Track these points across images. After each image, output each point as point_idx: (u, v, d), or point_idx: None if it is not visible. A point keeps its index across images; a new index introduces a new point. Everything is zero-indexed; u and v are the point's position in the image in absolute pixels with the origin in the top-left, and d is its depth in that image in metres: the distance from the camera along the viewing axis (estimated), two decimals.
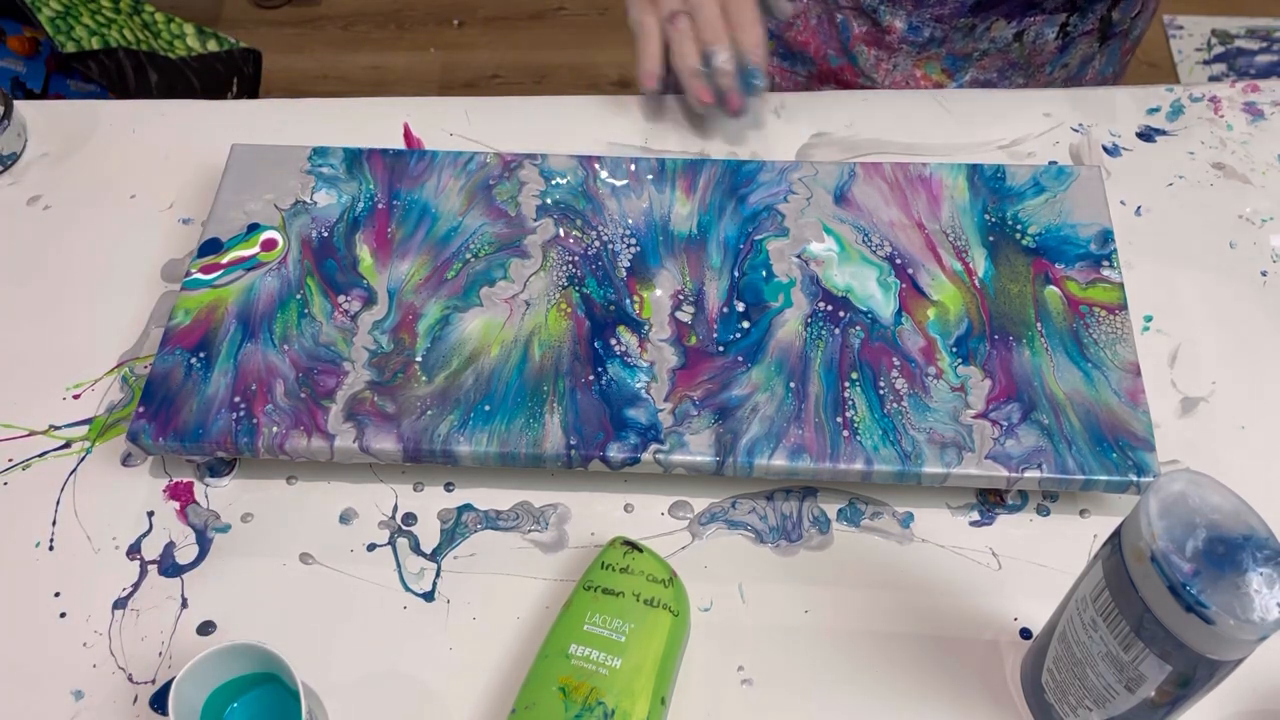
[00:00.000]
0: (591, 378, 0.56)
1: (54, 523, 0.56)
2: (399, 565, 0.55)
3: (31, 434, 0.59)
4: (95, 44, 1.43)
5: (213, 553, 0.55)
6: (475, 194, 0.63)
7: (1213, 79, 1.75)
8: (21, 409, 0.60)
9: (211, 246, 0.61)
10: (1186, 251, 0.65)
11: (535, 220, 0.62)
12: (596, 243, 0.61)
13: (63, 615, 0.53)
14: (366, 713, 0.51)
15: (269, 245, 0.61)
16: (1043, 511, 0.56)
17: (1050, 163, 0.66)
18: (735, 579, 0.54)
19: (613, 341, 0.57)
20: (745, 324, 0.58)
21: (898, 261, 0.60)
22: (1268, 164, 0.68)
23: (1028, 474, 0.52)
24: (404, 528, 0.56)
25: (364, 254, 0.61)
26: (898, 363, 0.56)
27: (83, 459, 0.58)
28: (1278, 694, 0.50)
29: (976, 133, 0.70)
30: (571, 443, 0.54)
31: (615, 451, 0.53)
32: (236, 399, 0.55)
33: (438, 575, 0.54)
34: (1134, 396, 0.55)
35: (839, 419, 0.54)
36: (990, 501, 0.56)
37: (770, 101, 0.71)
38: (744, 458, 0.53)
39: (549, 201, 0.62)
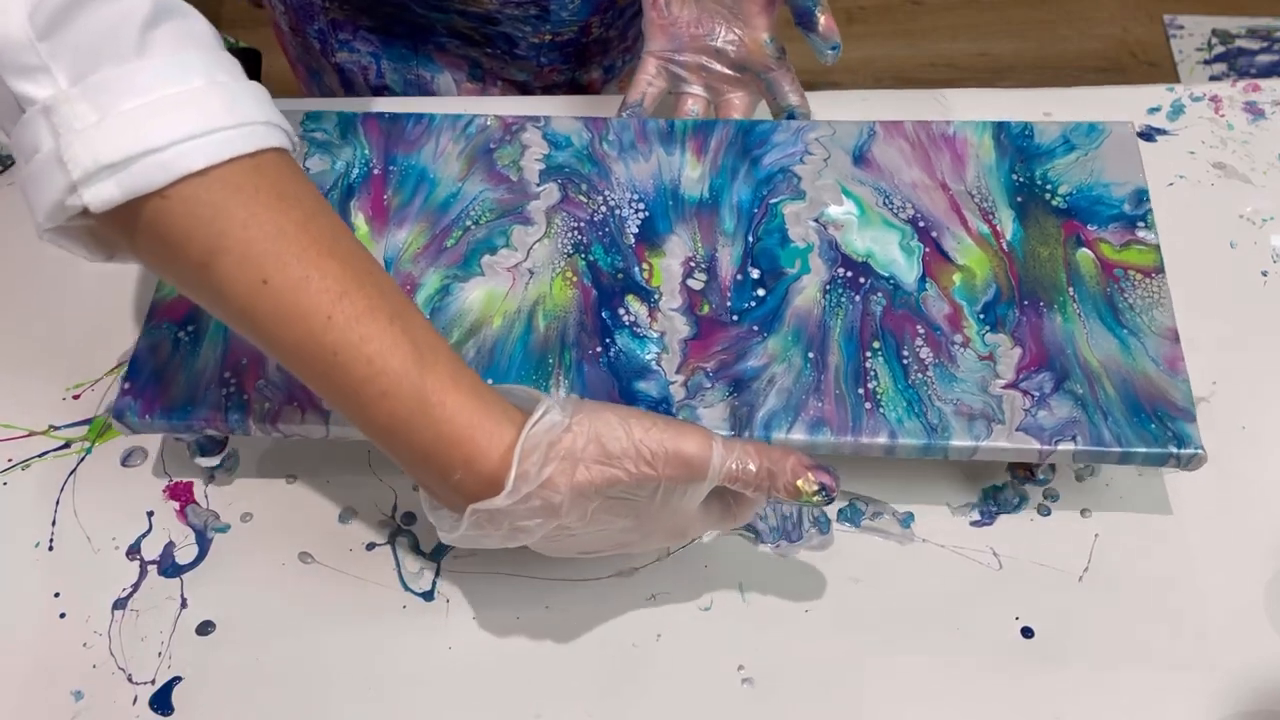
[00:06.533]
0: (599, 349, 0.54)
1: (54, 523, 0.56)
2: (399, 565, 0.55)
3: (31, 434, 0.59)
4: None
5: (212, 553, 0.55)
6: (475, 158, 0.61)
7: (1213, 79, 1.75)
8: (21, 409, 0.60)
9: None
10: (1186, 251, 0.64)
11: (539, 185, 0.60)
12: (603, 208, 0.59)
13: (63, 615, 0.53)
14: (365, 712, 0.51)
15: None
16: (1043, 511, 0.56)
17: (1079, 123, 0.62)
18: (735, 579, 0.54)
19: (621, 311, 0.55)
20: (760, 291, 0.55)
21: (921, 224, 0.57)
22: (1268, 163, 0.68)
23: (1061, 446, 0.50)
24: (404, 527, 0.56)
25: (359, 222, 0.59)
26: (922, 331, 0.54)
27: (82, 459, 0.58)
28: (1278, 694, 0.50)
29: None
30: None
31: None
32: (227, 374, 0.53)
33: (437, 575, 0.54)
34: (1173, 364, 0.52)
35: (860, 390, 0.52)
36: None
37: None
38: (761, 432, 0.51)
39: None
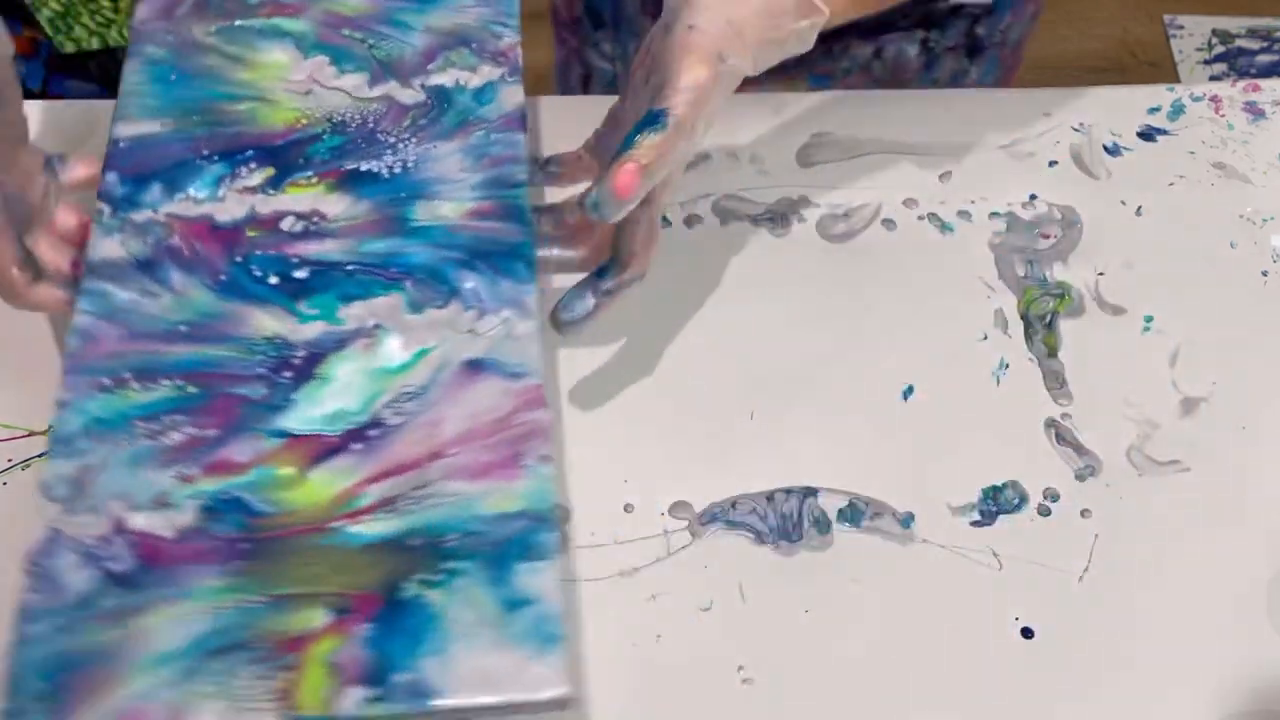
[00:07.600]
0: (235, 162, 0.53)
1: None
2: None
3: (31, 434, 0.59)
4: (94, 44, 1.43)
5: None
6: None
7: (1213, 79, 1.76)
8: (21, 409, 0.60)
9: None
10: (1186, 251, 0.65)
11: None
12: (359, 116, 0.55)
13: None
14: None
15: None
16: (1043, 511, 0.56)
17: None
18: (735, 579, 0.54)
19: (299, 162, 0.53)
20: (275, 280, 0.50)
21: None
22: (1269, 163, 0.68)
23: None
24: None
25: None
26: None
27: None
28: (1278, 694, 0.50)
29: (976, 132, 0.70)
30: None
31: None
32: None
33: None
34: None
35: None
36: None
37: (769, 101, 0.71)
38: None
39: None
